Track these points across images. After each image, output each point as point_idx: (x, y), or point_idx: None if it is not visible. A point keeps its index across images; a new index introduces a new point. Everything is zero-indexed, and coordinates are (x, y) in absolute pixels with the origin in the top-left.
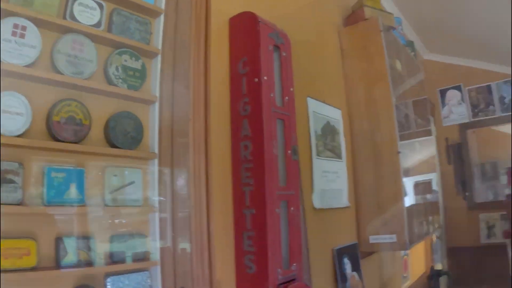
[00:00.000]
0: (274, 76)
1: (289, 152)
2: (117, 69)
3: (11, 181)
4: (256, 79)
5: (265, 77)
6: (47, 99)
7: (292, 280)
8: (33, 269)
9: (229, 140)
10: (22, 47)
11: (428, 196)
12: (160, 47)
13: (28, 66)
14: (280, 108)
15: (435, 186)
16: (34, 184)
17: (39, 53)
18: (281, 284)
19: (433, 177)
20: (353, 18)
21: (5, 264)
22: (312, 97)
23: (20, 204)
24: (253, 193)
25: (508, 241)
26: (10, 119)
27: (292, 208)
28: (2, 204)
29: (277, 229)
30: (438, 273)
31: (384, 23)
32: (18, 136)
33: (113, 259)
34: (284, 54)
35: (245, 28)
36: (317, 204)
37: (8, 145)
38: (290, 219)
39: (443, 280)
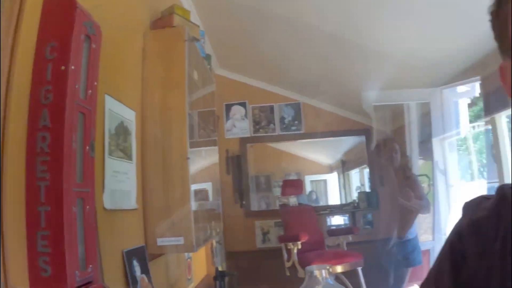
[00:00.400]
0: (81, 67)
1: (87, 148)
2: None
3: None
4: (63, 67)
5: (73, 67)
6: None
7: (89, 283)
8: None
9: (25, 130)
10: None
11: (209, 203)
12: None
13: None
14: (83, 101)
15: (214, 194)
16: None
17: None
18: (79, 286)
19: (212, 185)
20: (161, 22)
21: None
22: (109, 95)
23: None
24: (49, 188)
25: (282, 245)
26: None
27: (87, 207)
28: None
29: (74, 228)
30: (223, 274)
31: (190, 34)
32: None
33: None
34: (94, 46)
35: (60, 11)
36: (107, 204)
37: None
38: (86, 218)
39: (227, 280)
